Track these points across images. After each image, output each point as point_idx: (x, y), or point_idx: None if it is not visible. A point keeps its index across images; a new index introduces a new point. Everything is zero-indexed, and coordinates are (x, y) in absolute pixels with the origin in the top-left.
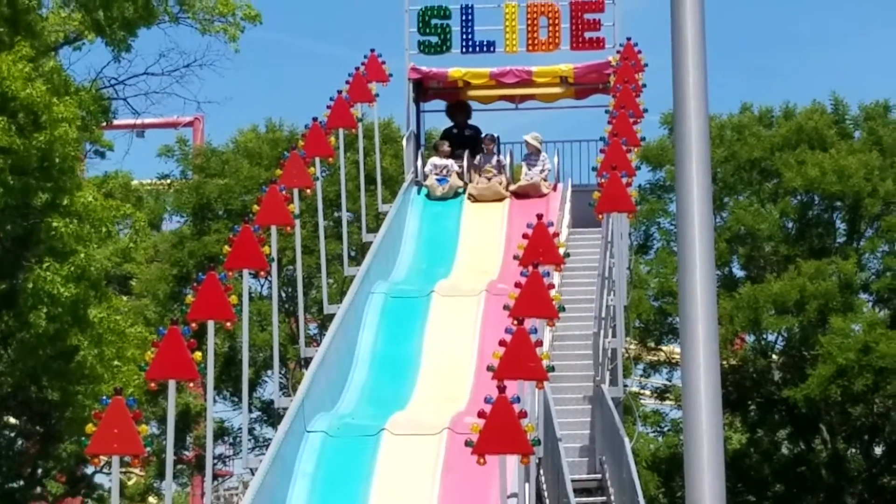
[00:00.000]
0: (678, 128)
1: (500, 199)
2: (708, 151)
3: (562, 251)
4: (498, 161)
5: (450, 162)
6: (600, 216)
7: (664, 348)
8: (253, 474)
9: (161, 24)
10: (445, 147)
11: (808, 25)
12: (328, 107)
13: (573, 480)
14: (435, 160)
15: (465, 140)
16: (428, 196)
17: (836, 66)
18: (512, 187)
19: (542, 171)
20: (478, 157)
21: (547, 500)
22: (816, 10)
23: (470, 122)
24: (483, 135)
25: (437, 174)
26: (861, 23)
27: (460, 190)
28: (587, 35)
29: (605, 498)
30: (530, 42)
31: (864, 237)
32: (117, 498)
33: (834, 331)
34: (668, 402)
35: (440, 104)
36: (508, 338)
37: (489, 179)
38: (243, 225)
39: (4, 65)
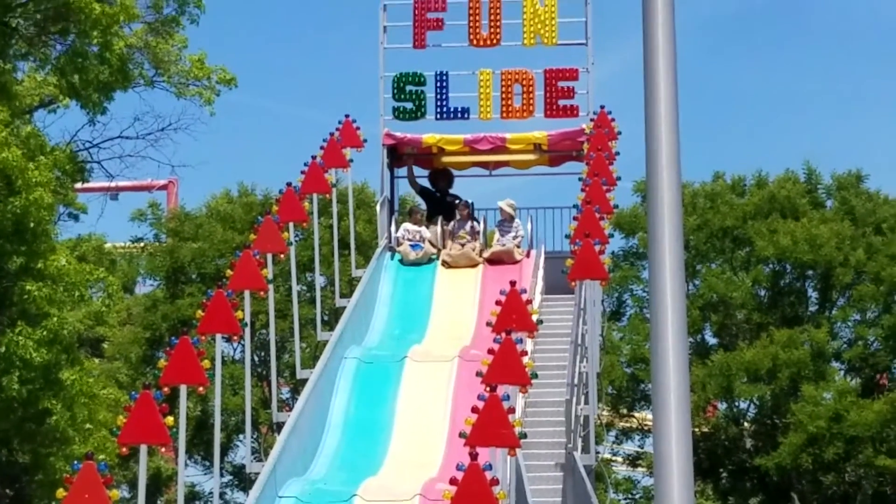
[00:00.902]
0: (651, 196)
1: (474, 265)
2: (680, 220)
3: (535, 318)
4: (472, 227)
5: (423, 228)
6: (573, 283)
7: (637, 415)
8: None
9: (136, 87)
10: (419, 214)
11: (781, 93)
12: (302, 172)
13: None
14: (408, 226)
15: (442, 206)
16: (401, 262)
17: (809, 134)
18: (485, 253)
19: (515, 237)
20: (452, 223)
21: None
22: (790, 78)
23: (451, 190)
24: (457, 201)
25: (410, 240)
26: (835, 92)
27: (434, 256)
28: (561, 102)
29: None
30: (504, 109)
31: (835, 306)
32: None
33: (806, 399)
34: (640, 469)
35: (415, 170)
36: (481, 404)
37: (462, 245)
38: (216, 289)
39: None
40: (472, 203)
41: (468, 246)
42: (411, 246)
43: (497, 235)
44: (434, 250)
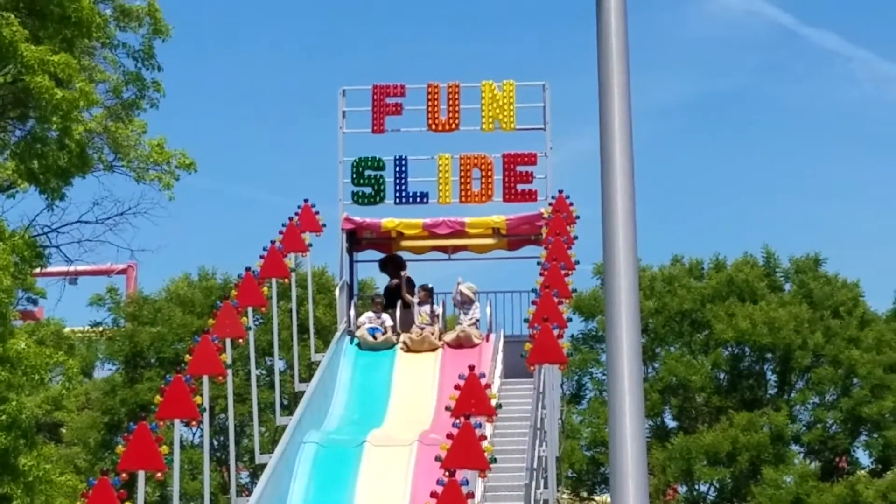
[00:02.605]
0: (608, 282)
1: (434, 349)
2: (637, 304)
3: (494, 402)
4: (432, 310)
5: (385, 316)
6: (532, 367)
7: (597, 498)
8: None
9: (96, 171)
10: (380, 299)
11: (739, 176)
12: (261, 256)
13: None
14: (370, 314)
15: (394, 293)
16: (360, 346)
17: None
18: (446, 337)
19: (471, 318)
20: (412, 307)
21: None
22: (748, 163)
23: (404, 272)
24: (417, 286)
25: (369, 324)
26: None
27: (394, 342)
28: (520, 187)
29: None
30: (463, 193)
31: (794, 389)
32: None
33: (766, 482)
34: None
35: (374, 254)
36: (440, 489)
37: (422, 329)
38: (175, 374)
39: None
40: (433, 287)
41: (427, 329)
42: (369, 329)
43: (460, 317)
44: (394, 338)
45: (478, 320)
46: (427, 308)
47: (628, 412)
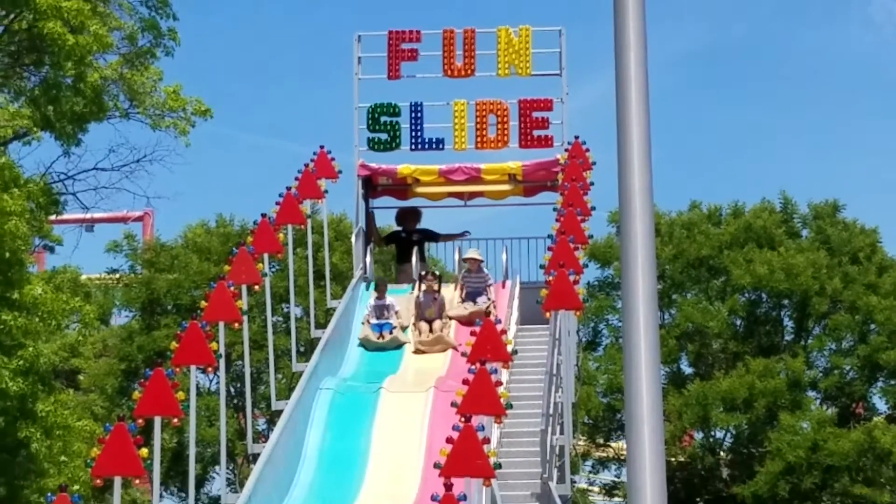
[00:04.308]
0: (624, 227)
1: (447, 349)
2: (653, 250)
3: (510, 348)
4: (440, 302)
5: (391, 301)
6: (548, 313)
7: (613, 445)
8: None
9: (111, 118)
10: (384, 285)
11: (756, 124)
12: (277, 203)
13: None
14: (372, 301)
15: (410, 247)
16: (364, 347)
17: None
18: (451, 312)
19: (488, 298)
20: (418, 296)
21: None
22: (766, 110)
23: (419, 226)
24: (424, 273)
25: (375, 319)
26: (811, 123)
27: (402, 341)
28: (535, 133)
29: None
30: (479, 140)
31: (811, 335)
32: None
33: (783, 428)
34: (616, 498)
35: (390, 201)
36: (456, 435)
37: (430, 322)
38: (191, 321)
39: None
40: (441, 276)
41: (436, 324)
42: (374, 326)
43: (460, 291)
44: (405, 339)
45: (493, 302)
46: (437, 299)
47: (644, 358)
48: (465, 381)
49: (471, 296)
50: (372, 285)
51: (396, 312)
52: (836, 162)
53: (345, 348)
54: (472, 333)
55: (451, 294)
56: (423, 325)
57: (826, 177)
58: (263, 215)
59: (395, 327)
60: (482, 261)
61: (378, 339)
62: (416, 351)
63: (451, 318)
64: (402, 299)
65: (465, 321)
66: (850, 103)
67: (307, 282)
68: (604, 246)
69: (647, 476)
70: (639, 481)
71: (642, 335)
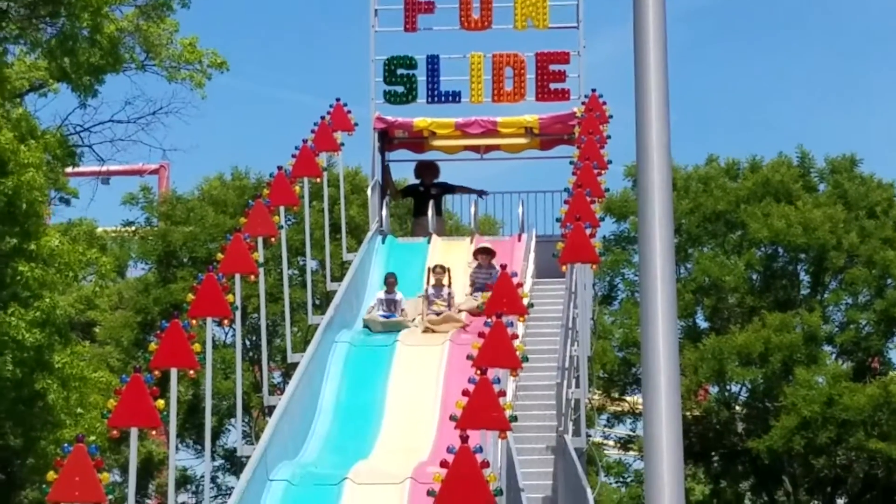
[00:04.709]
0: (641, 180)
1: (457, 326)
2: (670, 204)
3: (525, 301)
4: (449, 294)
5: (399, 297)
6: (564, 267)
7: (628, 399)
8: None
9: (127, 71)
10: (391, 279)
11: (773, 77)
12: (293, 156)
13: None
14: (381, 296)
15: (427, 199)
16: (368, 329)
17: (802, 118)
18: (463, 305)
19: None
20: (427, 289)
21: None
22: (783, 64)
23: (437, 180)
24: (432, 266)
25: (382, 311)
26: (828, 78)
27: (409, 323)
28: (552, 86)
29: None
30: (496, 93)
31: (828, 289)
32: None
33: (798, 383)
34: (631, 452)
35: (406, 154)
36: (471, 387)
37: (438, 314)
38: (207, 273)
39: None
40: (449, 269)
41: (445, 314)
42: (381, 316)
43: (467, 289)
44: (411, 319)
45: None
46: (444, 291)
47: (661, 312)
48: (481, 335)
49: (479, 290)
50: (388, 238)
51: (403, 310)
52: (854, 116)
53: (360, 301)
54: (489, 287)
55: (459, 289)
56: (430, 310)
57: (843, 131)
58: (279, 168)
59: (398, 315)
60: (495, 254)
61: (384, 320)
62: (426, 330)
63: (461, 311)
64: (409, 304)
65: (477, 312)
66: (869, 56)
67: (323, 235)
68: (620, 200)
69: (663, 429)
70: (655, 434)
71: (659, 288)
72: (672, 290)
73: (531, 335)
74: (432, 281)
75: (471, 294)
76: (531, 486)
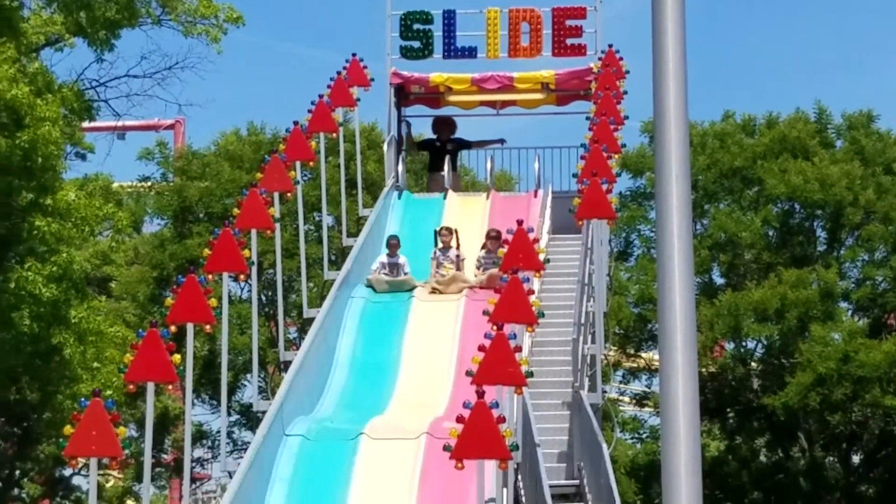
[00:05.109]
0: (658, 136)
1: (464, 288)
2: (688, 159)
3: (542, 257)
4: (457, 256)
5: (403, 260)
6: (580, 222)
7: (644, 355)
8: (231, 477)
9: (143, 25)
10: (394, 241)
11: (792, 35)
12: (309, 111)
13: (551, 486)
14: (383, 259)
15: (443, 154)
16: (373, 288)
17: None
18: (472, 282)
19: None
20: (434, 251)
21: None
22: (801, 19)
23: (454, 136)
24: (438, 228)
25: (386, 274)
26: (847, 33)
27: (415, 283)
28: (569, 41)
29: None
30: (512, 48)
31: (844, 246)
32: (95, 500)
33: (814, 339)
34: (647, 408)
35: (422, 109)
36: (488, 343)
37: (444, 276)
38: (223, 228)
39: None
40: (457, 230)
41: (455, 273)
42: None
43: (475, 269)
44: (416, 283)
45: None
46: (451, 252)
47: (678, 267)
48: (497, 290)
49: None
50: (404, 194)
51: (406, 273)
52: (871, 72)
53: (377, 256)
54: (505, 242)
55: (468, 255)
56: (438, 272)
57: (861, 87)
58: (295, 123)
59: (402, 277)
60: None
61: (390, 279)
62: (433, 290)
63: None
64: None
65: (485, 286)
66: (888, 11)
67: (339, 190)
68: (636, 156)
69: (679, 385)
70: (671, 390)
71: (676, 244)
72: (689, 245)
73: (547, 291)
74: (439, 244)
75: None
76: (547, 441)
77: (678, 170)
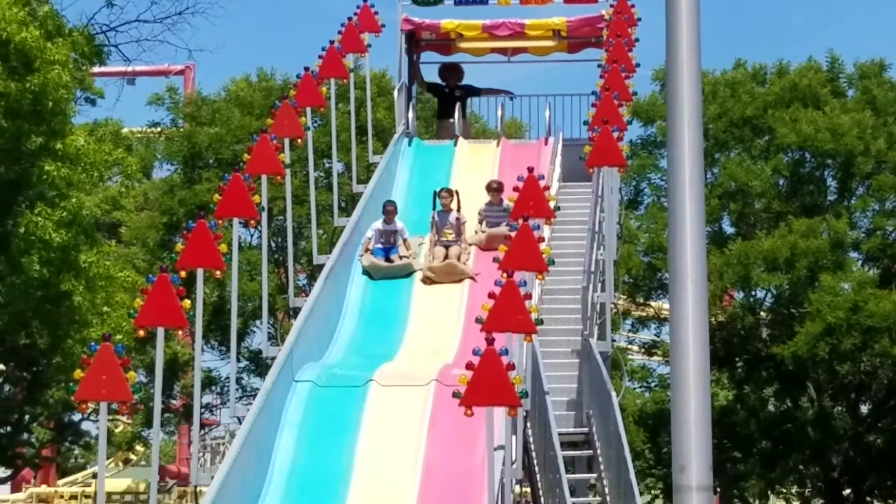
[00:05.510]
0: (670, 84)
1: (460, 280)
2: (700, 107)
3: (552, 204)
4: (457, 220)
5: (400, 226)
6: (591, 170)
7: (653, 304)
8: (240, 423)
9: None
10: (391, 207)
11: None
12: (320, 57)
13: (560, 434)
14: (378, 226)
15: (452, 102)
16: (369, 276)
17: (832, 24)
18: (472, 239)
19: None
20: (433, 215)
21: (533, 453)
22: None
23: (461, 83)
24: (438, 189)
25: (380, 243)
26: None
27: (413, 268)
28: None
29: (591, 451)
30: None
31: (855, 195)
32: (104, 443)
33: (824, 289)
34: (655, 357)
35: (433, 56)
36: (498, 290)
37: (447, 248)
38: (234, 173)
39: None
40: (457, 191)
41: (452, 251)
42: (378, 251)
43: (479, 225)
44: (417, 265)
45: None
46: (452, 216)
47: (689, 215)
48: (508, 238)
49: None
50: (415, 141)
51: (405, 240)
52: (884, 20)
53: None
54: (515, 189)
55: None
56: (439, 251)
57: (873, 35)
58: (306, 69)
59: (399, 250)
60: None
61: (386, 263)
62: (425, 280)
63: (470, 244)
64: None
65: (485, 247)
66: None
67: (349, 137)
68: (647, 104)
69: (689, 333)
70: (681, 338)
71: (687, 192)
72: (700, 191)
73: (557, 239)
74: (438, 207)
75: (480, 231)
76: (556, 389)
77: (690, 116)
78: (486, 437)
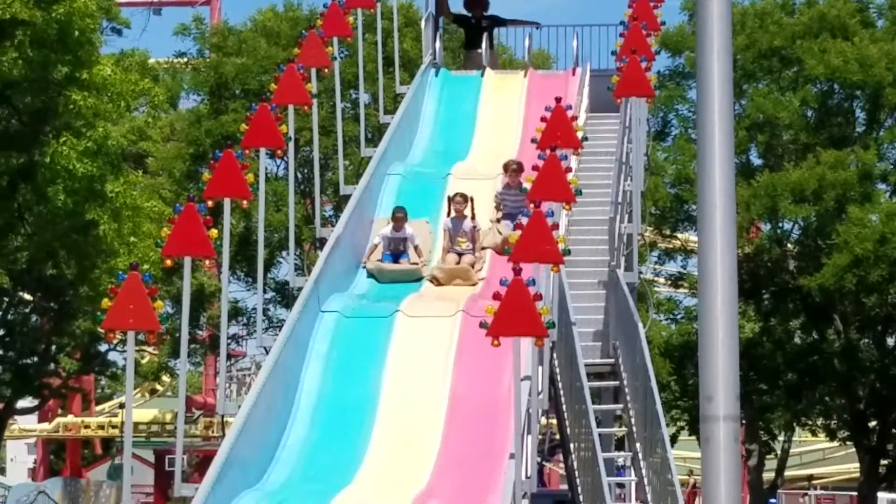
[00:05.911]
0: (700, 13)
1: (471, 285)
2: (730, 37)
3: (580, 135)
4: (472, 228)
5: (409, 232)
6: (619, 100)
7: (679, 236)
8: (267, 353)
9: None
10: (400, 214)
11: None
12: None
13: (586, 365)
14: (386, 232)
15: (478, 33)
16: (376, 278)
17: None
18: (485, 242)
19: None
20: (446, 221)
21: (560, 384)
22: None
23: (487, 13)
24: (452, 194)
25: (389, 250)
26: None
27: (421, 274)
28: None
29: (617, 382)
30: None
31: (884, 127)
32: (132, 373)
33: (851, 220)
34: (682, 289)
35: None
36: (525, 221)
37: (460, 255)
38: (261, 103)
39: None
40: (472, 197)
41: (466, 259)
42: (386, 256)
43: (494, 213)
44: (422, 270)
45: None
46: (467, 225)
47: (718, 145)
48: (534, 167)
49: (510, 217)
50: (442, 71)
51: (416, 247)
52: None
53: (413, 134)
54: (543, 119)
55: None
56: (451, 258)
57: None
58: None
59: (409, 255)
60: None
61: (394, 266)
62: (432, 280)
63: (484, 248)
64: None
65: (501, 249)
66: None
67: (376, 67)
68: (675, 34)
69: (717, 265)
70: (709, 270)
71: (717, 118)
72: (730, 122)
73: (584, 169)
74: (452, 213)
75: (497, 221)
76: (582, 320)
77: (720, 46)
78: (512, 367)
